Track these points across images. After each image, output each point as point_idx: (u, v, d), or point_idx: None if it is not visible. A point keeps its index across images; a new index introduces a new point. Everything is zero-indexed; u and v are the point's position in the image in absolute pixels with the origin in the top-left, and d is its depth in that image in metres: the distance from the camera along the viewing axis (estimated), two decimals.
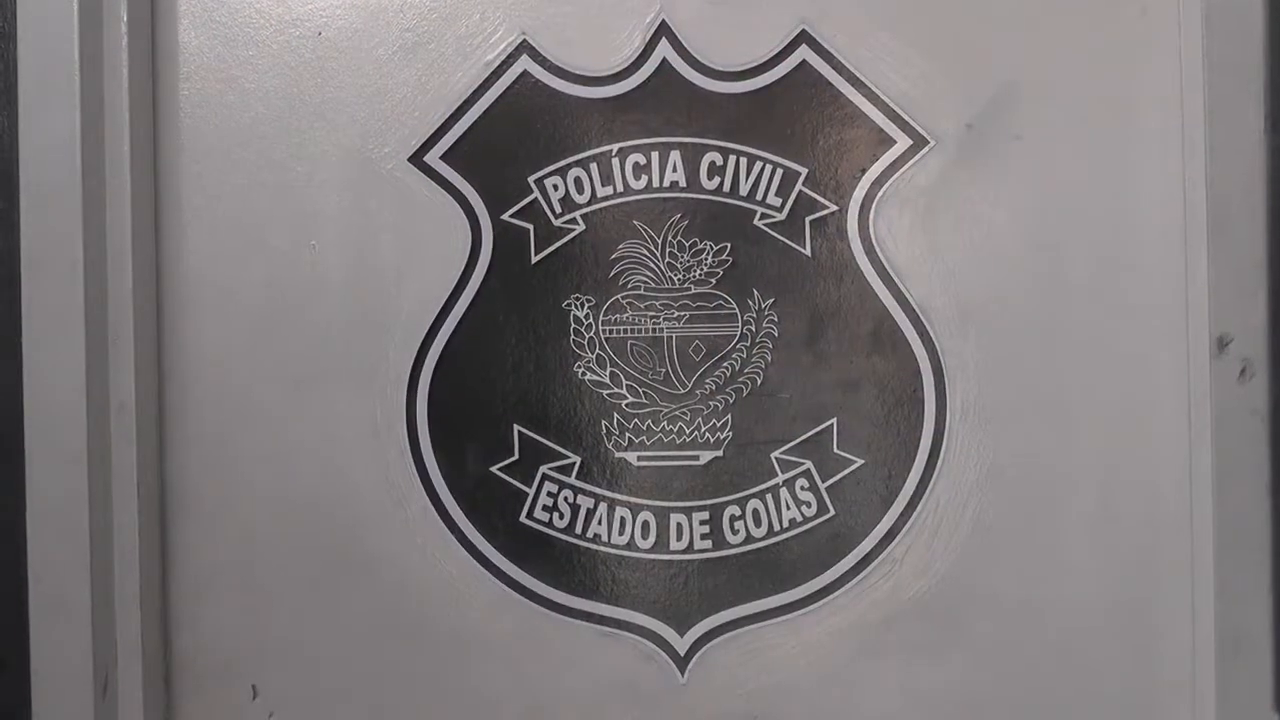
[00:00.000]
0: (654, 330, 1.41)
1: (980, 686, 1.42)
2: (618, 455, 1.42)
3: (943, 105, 1.40)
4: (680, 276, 1.41)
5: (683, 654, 1.42)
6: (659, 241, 1.41)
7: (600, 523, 1.42)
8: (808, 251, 1.41)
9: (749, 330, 1.41)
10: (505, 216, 1.41)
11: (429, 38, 1.42)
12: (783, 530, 1.42)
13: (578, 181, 1.41)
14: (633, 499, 1.42)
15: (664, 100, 1.41)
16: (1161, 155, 1.38)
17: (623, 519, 1.42)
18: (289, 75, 1.42)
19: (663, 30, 1.41)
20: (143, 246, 1.41)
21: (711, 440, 1.42)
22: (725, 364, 1.41)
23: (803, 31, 1.41)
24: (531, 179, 1.41)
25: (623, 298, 1.41)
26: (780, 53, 1.41)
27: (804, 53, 1.41)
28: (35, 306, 1.38)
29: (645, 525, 1.42)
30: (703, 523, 1.42)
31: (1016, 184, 1.40)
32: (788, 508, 1.42)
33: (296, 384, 1.42)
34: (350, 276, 1.42)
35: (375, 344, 1.42)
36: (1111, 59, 1.39)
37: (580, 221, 1.41)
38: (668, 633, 1.42)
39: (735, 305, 1.41)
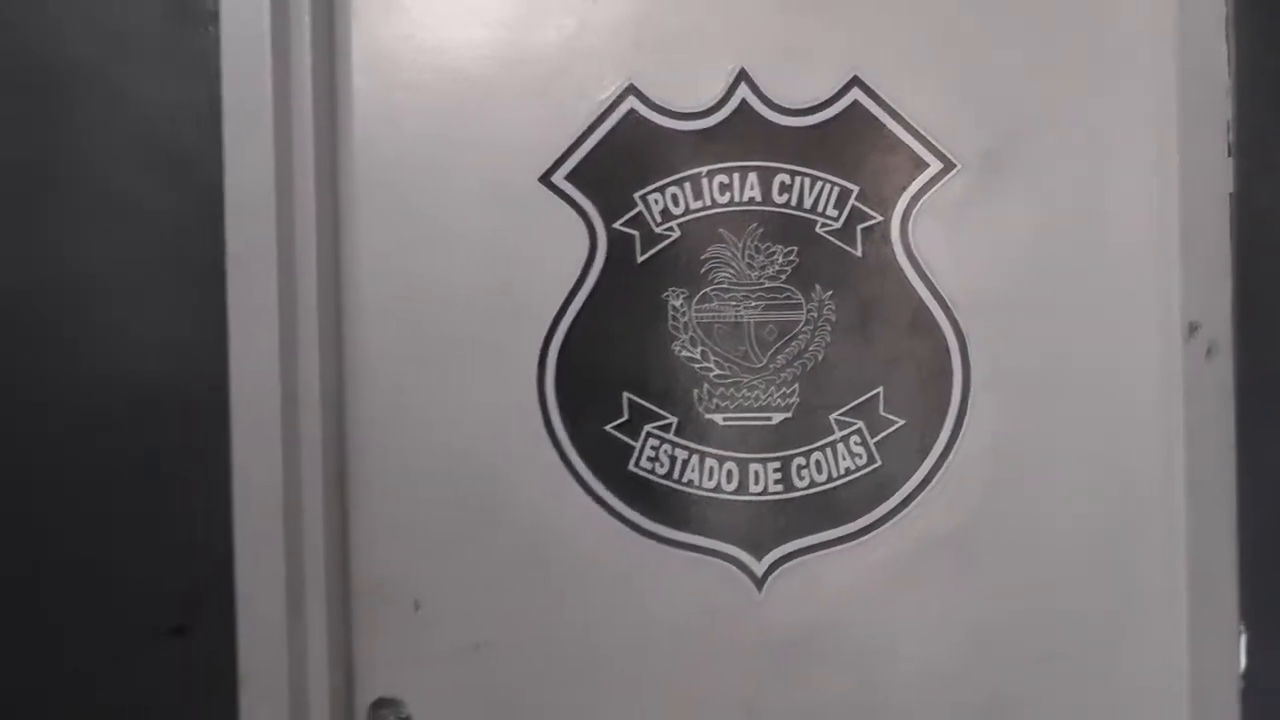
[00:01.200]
0: (735, 316, 1.76)
1: (992, 602, 1.77)
2: (707, 416, 1.77)
3: (966, 136, 1.75)
4: (756, 273, 1.76)
5: (760, 575, 1.78)
6: (740, 245, 1.76)
7: (693, 470, 1.77)
8: (859, 253, 1.76)
9: (812, 316, 1.76)
10: (616, 225, 1.77)
11: (554, 83, 1.77)
12: (839, 477, 1.77)
13: (674, 197, 1.76)
14: (719, 451, 1.77)
15: (743, 132, 1.76)
16: (1143, 176, 1.72)
17: (711, 467, 1.77)
18: (441, 113, 1.77)
19: (741, 76, 1.76)
20: (325, 253, 1.76)
21: (782, 405, 1.77)
22: (793, 343, 1.77)
23: (855, 77, 1.75)
24: (637, 195, 1.76)
25: (710, 290, 1.76)
26: (836, 94, 1.75)
27: (856, 94, 1.75)
28: (238, 305, 1.73)
29: (729, 472, 1.77)
30: (775, 470, 1.77)
31: (1024, 198, 1.74)
32: (843, 459, 1.77)
33: (449, 363, 1.77)
34: (492, 275, 1.77)
35: (512, 330, 1.77)
36: (1100, 97, 1.73)
37: (676, 229, 1.76)
38: (748, 559, 1.78)
39: (801, 296, 1.76)
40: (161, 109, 1.75)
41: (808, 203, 1.75)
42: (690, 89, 1.76)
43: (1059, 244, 1.73)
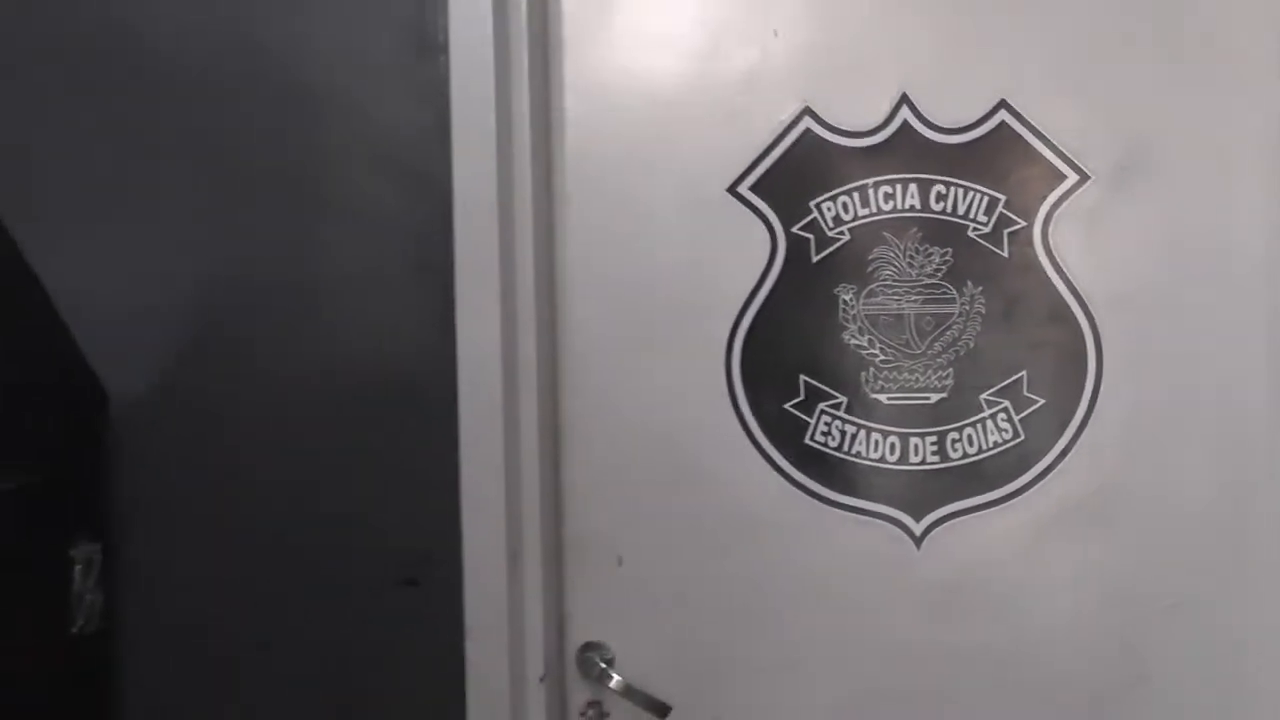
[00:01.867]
0: (898, 309, 2.03)
1: (1122, 559, 2.02)
2: (872, 396, 2.04)
3: (1099, 150, 2.01)
4: (916, 271, 2.03)
5: (919, 534, 2.04)
6: (901, 247, 2.02)
7: (860, 443, 2.04)
8: (1005, 254, 2.02)
9: (964, 309, 2.02)
10: (794, 230, 2.03)
11: (740, 105, 2.03)
12: (988, 449, 2.03)
13: (844, 205, 2.03)
14: (883, 427, 2.03)
15: (904, 148, 2.02)
16: (1265, 179, 1.98)
17: (876, 441, 2.03)
18: (641, 131, 2.04)
19: (903, 100, 2.02)
20: (541, 254, 2.03)
21: (938, 386, 2.03)
22: (948, 333, 2.03)
23: (1002, 100, 2.01)
24: (812, 203, 2.03)
25: (876, 286, 2.03)
26: (986, 115, 2.02)
27: (1002, 115, 2.02)
28: (464, 299, 1.99)
29: (892, 445, 2.03)
30: (932, 443, 2.03)
31: (1152, 204, 2.00)
32: (991, 433, 2.03)
33: (649, 350, 2.04)
34: (686, 272, 2.03)
35: (703, 320, 2.04)
36: (1224, 110, 1.98)
37: (847, 233, 2.03)
38: (908, 520, 2.04)
39: (954, 291, 2.02)
40: (400, 128, 2.02)
41: (961, 210, 2.01)
42: (859, 111, 2.02)
43: (1185, 245, 1.98)
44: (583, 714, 2.05)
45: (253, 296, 2.04)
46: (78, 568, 2.03)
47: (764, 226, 2.03)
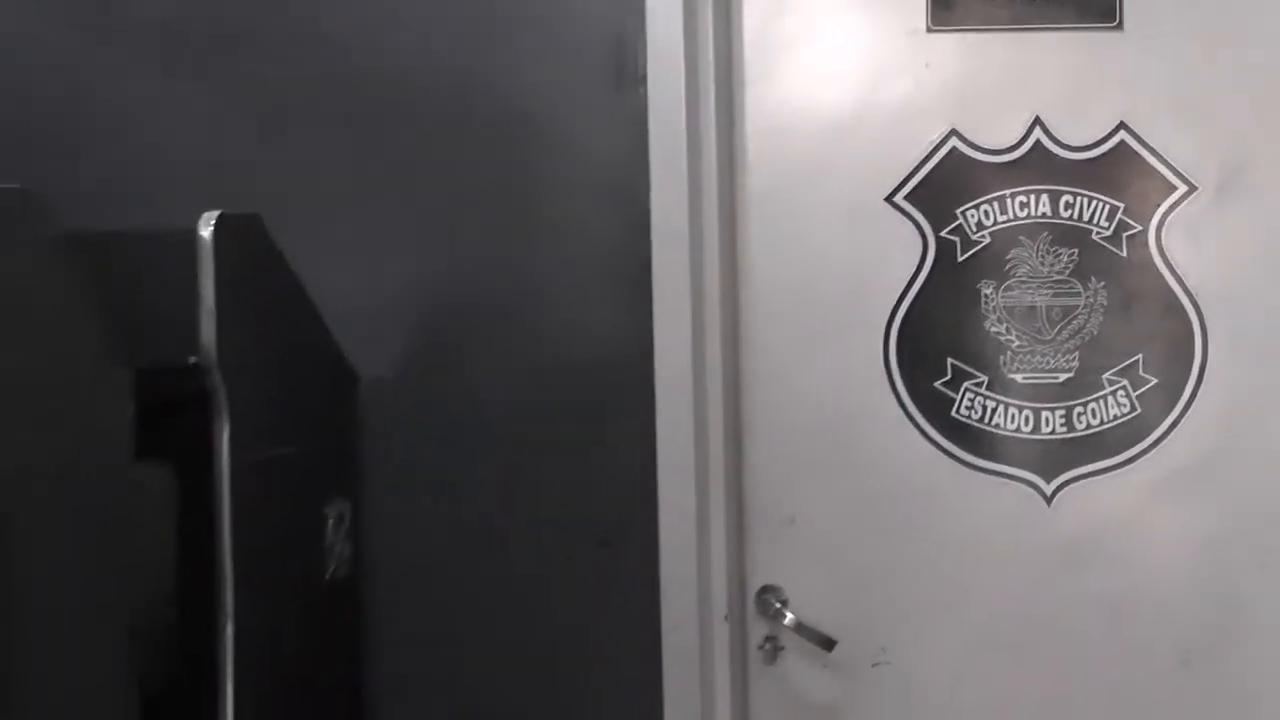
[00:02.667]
0: (1031, 301, 2.36)
1: (1224, 518, 2.35)
2: (1009, 376, 2.38)
3: (1205, 165, 2.34)
4: (1047, 269, 2.37)
5: (1049, 494, 2.38)
6: (1034, 248, 2.36)
7: (999, 416, 2.38)
8: (1124, 254, 2.36)
9: (1088, 301, 2.36)
10: (942, 233, 2.37)
11: (896, 128, 2.38)
12: (1109, 421, 2.37)
13: (985, 212, 2.37)
14: (1018, 402, 2.38)
15: (1037, 164, 2.36)
16: None
17: (1013, 414, 2.38)
18: (810, 152, 2.38)
19: (1036, 122, 2.36)
20: (725, 262, 2.37)
21: (1066, 367, 2.37)
22: (1074, 322, 2.37)
23: (1121, 122, 2.35)
24: (957, 210, 2.37)
25: (1012, 282, 2.37)
26: (1107, 135, 2.35)
27: (1122, 135, 2.35)
28: (660, 299, 2.33)
29: (1026, 418, 2.38)
30: (1061, 416, 2.37)
31: (1251, 212, 2.33)
32: (1112, 408, 2.37)
33: (818, 339, 2.39)
34: (848, 271, 2.38)
35: (864, 313, 2.38)
36: None
37: (988, 236, 2.37)
38: (1040, 482, 2.38)
39: (1080, 286, 2.36)
40: (602, 151, 2.36)
41: (1085, 216, 2.35)
42: (998, 132, 2.36)
43: (1277, 250, 2.32)
44: (760, 647, 2.41)
45: (476, 297, 2.40)
46: (330, 522, 2.39)
47: (916, 231, 2.37)
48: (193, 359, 2.11)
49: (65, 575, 1.93)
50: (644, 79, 2.35)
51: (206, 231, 2.06)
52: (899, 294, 2.38)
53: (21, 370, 1.84)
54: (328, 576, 2.39)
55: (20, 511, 1.82)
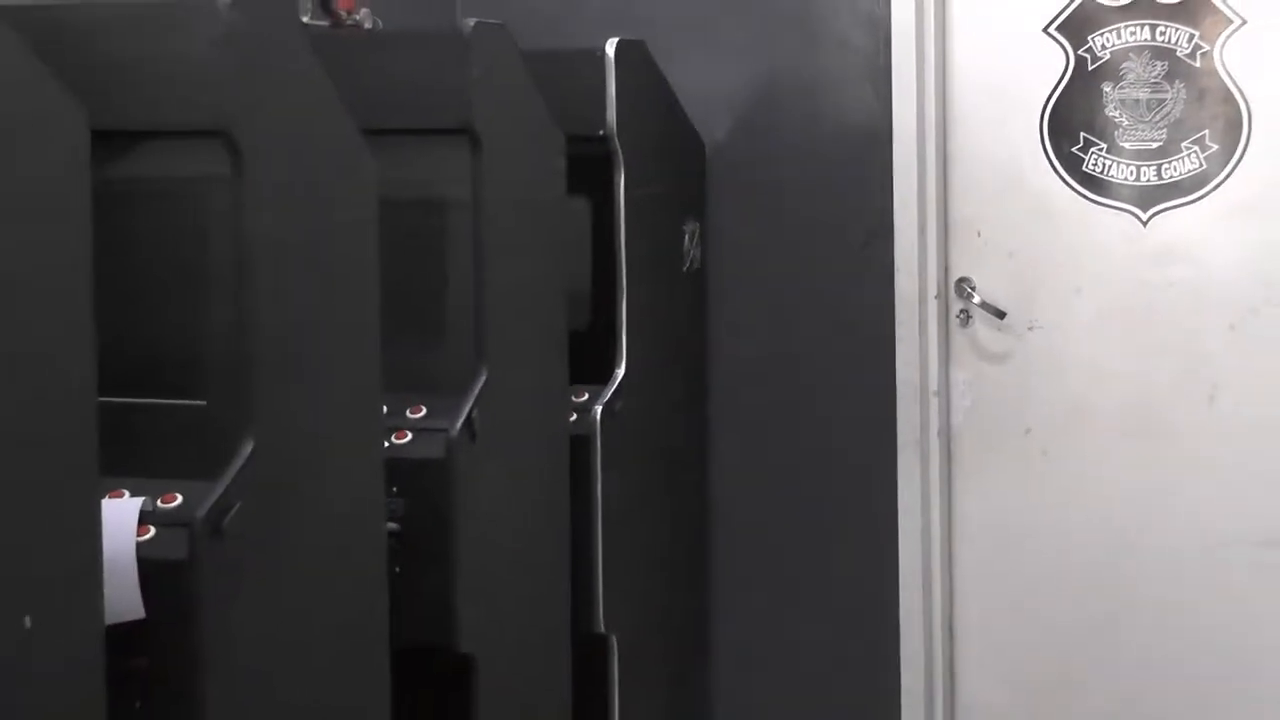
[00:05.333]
0: (1136, 96, 3.71)
1: (1262, 235, 3.69)
2: (1120, 144, 3.72)
3: (1254, 6, 3.67)
4: (1147, 75, 3.71)
5: (1145, 220, 3.75)
6: (1139, 61, 3.72)
7: (1113, 170, 3.72)
8: (1197, 65, 3.69)
9: (1173, 96, 3.70)
10: (1078, 52, 3.73)
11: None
12: (1185, 173, 3.71)
13: (1107, 38, 3.73)
14: (1126, 161, 3.72)
15: (1141, 6, 3.70)
16: None
17: (1122, 168, 3.72)
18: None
19: None
20: (938, 63, 3.76)
21: (1158, 138, 3.72)
22: (1163, 109, 3.71)
23: None
24: (1088, 36, 3.73)
25: (1124, 83, 3.71)
26: None
27: None
28: (898, 91, 3.74)
29: (1131, 171, 3.74)
30: (1153, 170, 3.73)
31: None
32: (1187, 165, 3.70)
33: (999, 120, 3.77)
34: (1018, 75, 3.76)
35: (1028, 103, 3.76)
36: None
37: (1108, 54, 3.73)
38: (1139, 212, 3.75)
39: (1168, 86, 3.70)
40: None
41: (1172, 40, 3.69)
42: None
43: None
44: (957, 316, 3.82)
45: (780, 87, 3.82)
46: (686, 234, 3.85)
47: (1062, 50, 3.73)
48: (601, 131, 3.55)
49: (537, 256, 3.27)
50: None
51: (610, 50, 3.49)
52: (1049, 91, 3.74)
53: (519, 142, 3.05)
54: (684, 269, 3.86)
55: (517, 223, 3.05)
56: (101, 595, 1.97)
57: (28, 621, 1.83)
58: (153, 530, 2.15)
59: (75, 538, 1.92)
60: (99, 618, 1.97)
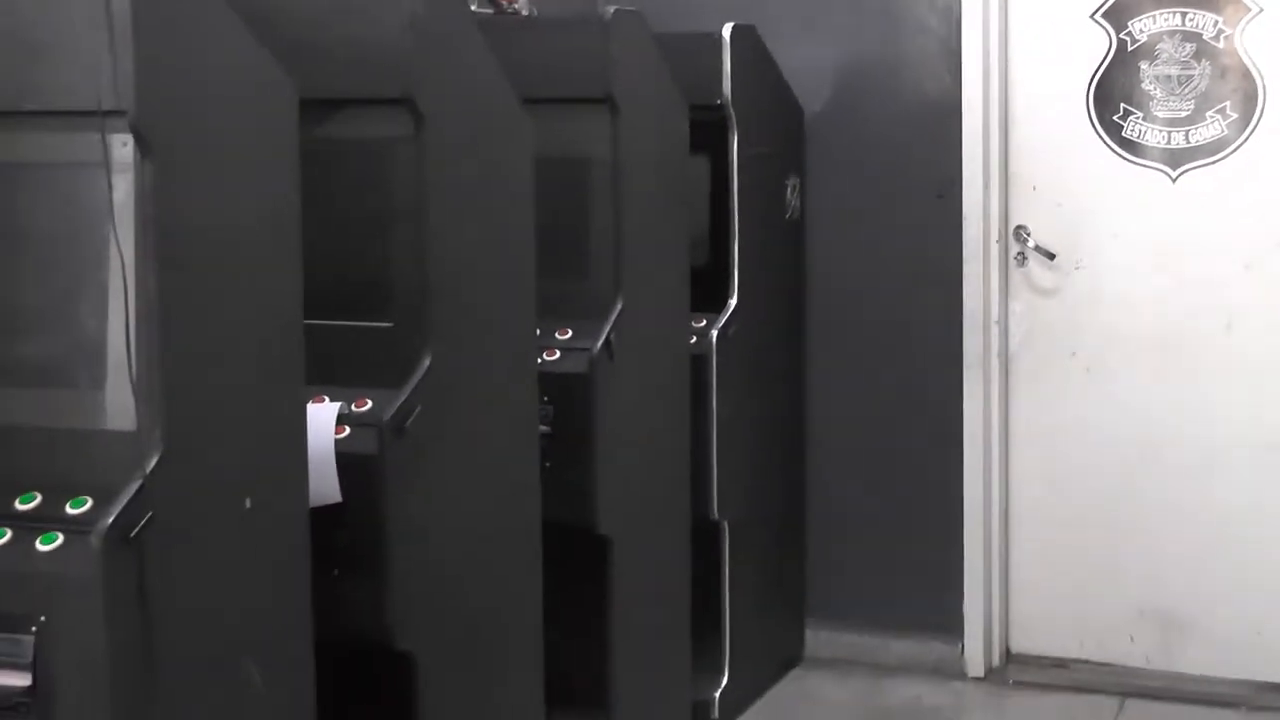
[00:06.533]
0: (1168, 73, 4.41)
1: (1275, 190, 4.39)
2: (1154, 112, 4.41)
3: None
4: (1178, 54, 4.41)
5: (1174, 177, 4.44)
6: (1171, 43, 4.43)
7: (1148, 135, 4.41)
8: (1221, 46, 4.38)
9: (1200, 72, 4.40)
10: (1119, 35, 4.45)
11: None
12: (1209, 139, 4.40)
13: (1145, 23, 4.45)
14: (1158, 127, 4.42)
15: None
16: None
17: (1155, 133, 4.42)
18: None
19: None
20: (1000, 42, 4.50)
21: (1186, 109, 4.42)
22: (1191, 84, 4.41)
23: None
24: (1128, 21, 4.45)
25: (1158, 61, 4.42)
26: None
27: None
28: (967, 69, 4.49)
29: (1163, 136, 4.44)
30: (1180, 134, 4.44)
31: None
32: (1211, 130, 4.39)
33: (1049, 97, 4.52)
34: (1066, 55, 4.50)
35: (1076, 78, 4.49)
36: None
37: (1145, 36, 4.44)
38: (1169, 169, 4.47)
39: (1196, 63, 4.40)
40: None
41: (1199, 25, 4.39)
42: None
43: None
44: (1014, 258, 4.57)
45: (870, 63, 4.61)
46: (788, 188, 4.66)
47: (1105, 34, 4.45)
48: (718, 100, 4.31)
49: (665, 204, 3.95)
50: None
51: (726, 34, 4.26)
52: (1095, 68, 4.46)
53: (650, 109, 3.68)
54: (786, 218, 4.66)
55: (648, 177, 3.65)
56: (306, 482, 2.25)
57: (248, 503, 2.10)
58: (348, 429, 2.46)
59: (285, 434, 2.22)
60: (304, 501, 2.25)
